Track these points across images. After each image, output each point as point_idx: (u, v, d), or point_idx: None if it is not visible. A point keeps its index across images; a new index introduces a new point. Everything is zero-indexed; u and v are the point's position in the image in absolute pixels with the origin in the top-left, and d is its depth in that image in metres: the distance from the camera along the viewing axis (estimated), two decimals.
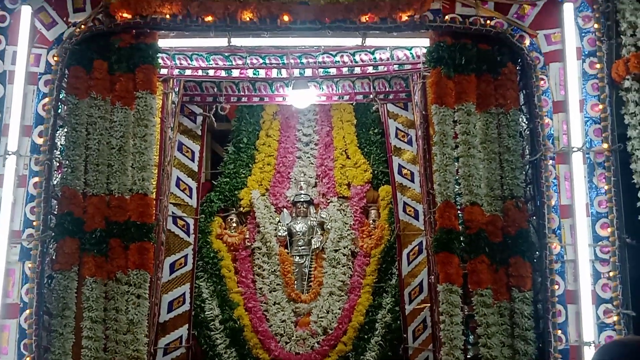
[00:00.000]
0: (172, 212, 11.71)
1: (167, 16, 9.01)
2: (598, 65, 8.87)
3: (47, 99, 8.84)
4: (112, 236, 8.76)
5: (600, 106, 8.81)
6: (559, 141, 8.87)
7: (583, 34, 9.01)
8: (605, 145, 8.72)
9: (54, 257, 8.65)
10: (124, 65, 9.10)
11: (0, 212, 8.50)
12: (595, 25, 8.94)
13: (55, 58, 8.91)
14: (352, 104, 12.67)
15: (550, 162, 8.78)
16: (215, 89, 11.63)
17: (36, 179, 8.67)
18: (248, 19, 9.00)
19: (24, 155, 8.71)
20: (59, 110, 8.94)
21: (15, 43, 8.90)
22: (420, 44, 9.74)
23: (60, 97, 8.96)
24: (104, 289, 8.70)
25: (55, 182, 8.83)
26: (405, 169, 11.94)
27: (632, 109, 8.61)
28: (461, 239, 8.84)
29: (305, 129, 13.22)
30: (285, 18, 8.98)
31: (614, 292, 8.48)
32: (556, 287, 8.55)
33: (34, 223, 8.56)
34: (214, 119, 12.10)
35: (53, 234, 8.64)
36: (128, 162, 8.95)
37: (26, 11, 8.96)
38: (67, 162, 8.76)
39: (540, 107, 8.85)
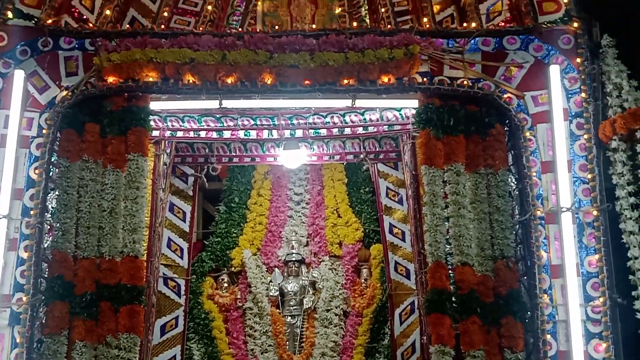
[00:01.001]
0: (163, 273, 11.67)
1: (159, 80, 9.11)
2: (585, 126, 9.01)
3: (38, 162, 8.91)
4: (102, 299, 8.72)
5: (589, 166, 8.92)
6: (548, 201, 8.93)
7: (570, 95, 9.15)
8: (594, 205, 8.79)
9: (43, 321, 8.58)
10: (116, 128, 9.18)
11: None
12: (582, 87, 9.11)
13: (48, 121, 9.01)
14: (343, 163, 12.74)
15: (540, 222, 8.83)
16: (207, 150, 11.71)
17: (27, 242, 8.68)
18: (239, 82, 9.11)
19: (15, 218, 8.72)
20: (51, 173, 8.99)
21: (8, 107, 9.00)
22: (409, 105, 9.86)
23: (52, 160, 9.02)
24: (94, 353, 8.64)
25: (46, 245, 8.82)
26: (397, 228, 11.98)
27: (620, 169, 8.72)
28: (453, 299, 8.81)
29: (296, 188, 13.27)
30: (276, 81, 9.08)
31: (606, 352, 8.47)
32: (548, 347, 8.53)
33: (24, 287, 8.54)
34: (205, 179, 12.16)
35: (43, 297, 8.61)
36: (119, 225, 8.95)
37: (19, 75, 9.07)
38: (58, 225, 8.76)
39: (529, 168, 8.93)
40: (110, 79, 9.10)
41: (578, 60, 9.19)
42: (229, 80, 9.11)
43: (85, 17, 9.84)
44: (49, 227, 8.88)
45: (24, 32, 9.32)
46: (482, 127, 9.20)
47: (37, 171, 8.87)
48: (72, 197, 8.83)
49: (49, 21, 9.35)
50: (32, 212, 8.73)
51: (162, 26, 10.01)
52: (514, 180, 9.15)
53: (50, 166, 8.98)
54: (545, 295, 8.67)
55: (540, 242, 8.77)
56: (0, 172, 8.79)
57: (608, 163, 8.89)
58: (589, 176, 8.88)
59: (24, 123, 9.01)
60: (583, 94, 9.09)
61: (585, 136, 8.98)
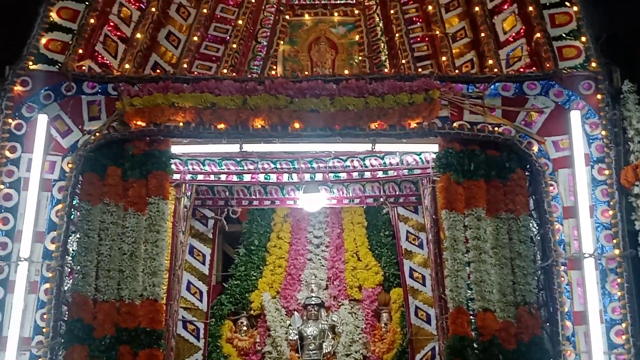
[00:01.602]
0: (182, 317, 11.65)
1: (181, 124, 9.21)
2: (607, 172, 8.97)
3: (60, 206, 8.98)
4: (121, 343, 8.70)
5: (611, 212, 8.86)
6: (570, 247, 8.86)
7: (591, 141, 9.12)
8: (616, 251, 8.72)
9: None
10: (137, 172, 9.24)
11: (11, 319, 8.50)
12: (603, 132, 9.09)
13: (70, 165, 9.08)
14: (362, 206, 12.72)
15: (562, 268, 8.76)
16: (227, 193, 11.79)
17: (47, 285, 8.71)
18: (260, 126, 9.18)
19: (36, 261, 8.76)
20: (72, 216, 9.05)
21: (31, 151, 9.12)
22: (430, 150, 9.87)
23: (74, 203, 9.08)
24: None
25: (66, 288, 8.86)
26: (417, 272, 11.91)
27: None
28: (474, 345, 8.70)
29: (316, 231, 13.27)
30: (296, 125, 9.14)
31: None
32: None
33: (44, 330, 8.55)
34: (225, 222, 12.18)
35: (62, 340, 8.61)
36: (139, 268, 8.96)
37: (42, 120, 9.19)
38: (78, 268, 8.79)
39: (550, 213, 8.88)
40: (133, 123, 9.19)
41: (599, 105, 9.17)
42: (250, 125, 9.15)
43: (108, 62, 10.02)
44: (69, 270, 8.91)
45: (48, 77, 9.47)
46: (503, 171, 9.16)
47: (58, 214, 8.94)
48: (93, 240, 8.87)
49: (73, 66, 9.50)
50: (53, 255, 8.77)
51: (184, 72, 10.15)
52: (535, 225, 9.08)
53: (72, 209, 9.05)
54: (568, 343, 8.55)
55: (563, 289, 8.68)
56: (22, 215, 8.90)
57: (631, 209, 8.83)
58: (612, 222, 8.83)
59: (46, 166, 9.11)
60: (604, 140, 9.06)
61: (608, 182, 8.94)
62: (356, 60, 12.11)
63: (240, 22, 11.48)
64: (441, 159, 9.30)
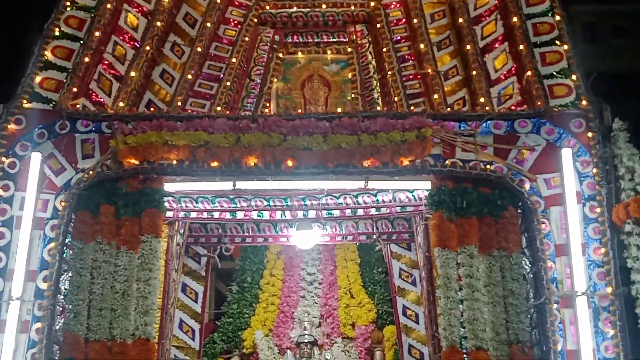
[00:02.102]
0: (174, 356, 11.58)
1: (174, 162, 9.21)
2: (598, 209, 9.00)
3: (53, 244, 8.95)
4: None
5: (603, 250, 8.87)
6: (563, 285, 8.85)
7: (582, 178, 9.16)
8: (609, 289, 8.72)
9: None
10: (130, 210, 9.22)
11: (1, 359, 8.41)
12: (594, 170, 9.13)
13: (63, 203, 9.08)
14: (355, 243, 12.71)
15: (555, 306, 8.73)
16: (220, 230, 11.77)
17: (39, 325, 8.66)
18: (253, 164, 9.19)
19: (27, 300, 8.72)
20: (65, 255, 9.02)
21: (24, 189, 9.11)
22: (422, 187, 9.90)
23: (66, 241, 9.06)
24: None
25: (57, 328, 8.79)
26: (410, 309, 11.90)
27: (635, 253, 8.71)
28: None
29: (309, 267, 13.25)
30: (289, 163, 9.16)
31: None
32: None
33: None
34: (218, 259, 12.15)
35: None
36: (131, 307, 8.91)
37: (36, 158, 9.20)
38: (70, 307, 8.74)
39: (542, 251, 8.89)
40: (126, 161, 9.20)
41: (590, 143, 9.23)
42: (243, 163, 9.17)
43: (102, 100, 10.06)
44: (61, 309, 8.86)
45: (42, 115, 9.50)
46: (495, 209, 9.18)
47: (51, 252, 8.91)
48: (85, 279, 8.83)
49: (67, 104, 9.53)
50: (45, 294, 8.73)
51: (178, 110, 10.21)
52: (528, 263, 9.08)
53: (64, 247, 9.02)
54: None
55: (556, 327, 8.66)
56: (14, 253, 8.86)
57: (622, 246, 8.86)
58: (604, 260, 8.84)
59: (39, 205, 9.09)
60: (596, 178, 9.11)
61: (599, 219, 8.96)
62: (349, 98, 12.21)
63: (234, 60, 11.61)
64: (434, 196, 9.33)
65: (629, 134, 9.22)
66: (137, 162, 9.22)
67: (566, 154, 9.18)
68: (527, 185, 9.14)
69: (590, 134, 9.28)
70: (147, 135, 9.20)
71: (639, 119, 10.08)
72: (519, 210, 9.24)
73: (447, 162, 9.28)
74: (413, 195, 10.34)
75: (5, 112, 9.43)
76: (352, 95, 12.19)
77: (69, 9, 10.30)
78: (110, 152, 9.30)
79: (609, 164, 9.17)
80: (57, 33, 10.10)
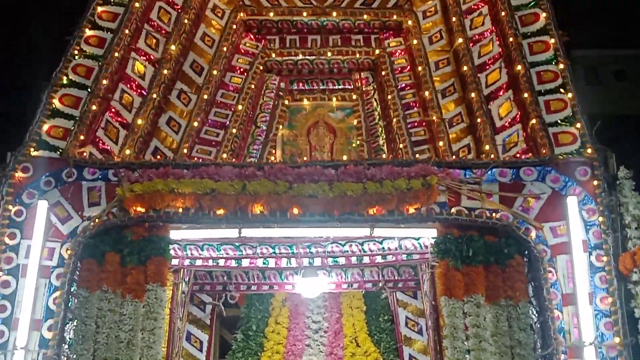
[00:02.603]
0: None
1: (180, 210, 9.22)
2: (605, 258, 8.97)
3: (58, 293, 8.94)
4: None
5: (610, 299, 8.82)
6: (570, 335, 8.79)
7: (588, 227, 9.14)
8: (617, 340, 8.66)
9: None
10: (136, 258, 9.20)
11: None
12: (600, 219, 9.11)
13: (69, 252, 9.07)
14: (361, 291, 12.63)
15: (563, 357, 8.66)
16: (225, 278, 11.72)
17: None
18: (259, 212, 9.19)
19: (32, 350, 8.68)
20: (70, 304, 8.98)
21: (30, 237, 9.12)
22: (428, 235, 9.86)
23: (72, 290, 9.03)
24: None
25: None
26: (416, 359, 11.78)
27: None
28: None
29: (314, 315, 13.15)
30: (295, 211, 9.17)
31: None
32: None
33: None
34: (223, 307, 12.08)
35: None
36: (136, 356, 8.82)
37: (42, 206, 9.22)
38: (74, 356, 8.69)
39: (549, 300, 8.84)
40: (132, 210, 9.21)
41: (595, 191, 9.23)
42: (249, 210, 9.17)
43: (109, 147, 10.12)
44: (65, 358, 8.80)
45: (49, 163, 9.54)
46: (502, 257, 9.15)
47: (56, 301, 8.90)
48: (90, 328, 8.78)
49: (74, 152, 9.58)
50: (49, 344, 8.69)
51: (185, 157, 10.26)
52: (535, 313, 9.02)
53: (70, 296, 8.99)
54: None
55: None
56: (19, 302, 8.84)
57: (630, 296, 8.81)
58: (611, 309, 8.78)
59: (45, 253, 9.09)
60: (602, 226, 9.09)
61: (606, 268, 8.93)
62: (354, 144, 12.27)
63: (240, 107, 11.73)
64: (440, 244, 9.31)
65: (634, 182, 9.22)
66: (143, 210, 9.22)
67: (572, 202, 9.18)
68: (533, 234, 9.12)
69: (595, 182, 9.29)
70: (153, 183, 9.23)
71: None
72: (525, 259, 9.20)
73: (452, 210, 9.28)
74: (419, 243, 10.29)
75: (13, 160, 9.47)
76: (358, 142, 12.26)
77: (77, 57, 10.42)
78: (117, 200, 9.31)
79: (615, 212, 9.16)
80: (65, 81, 10.21)
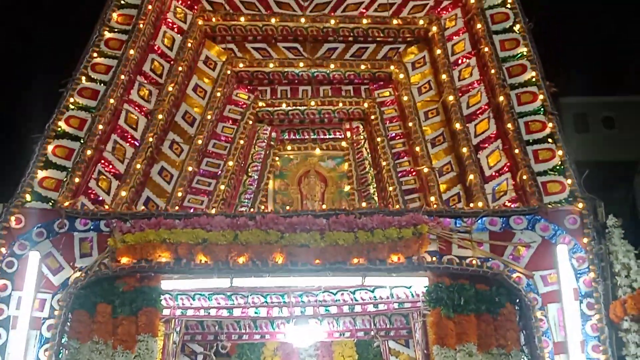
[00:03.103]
0: None
1: (172, 260, 9.23)
2: (596, 306, 9.01)
3: (49, 344, 8.90)
4: None
5: (602, 347, 8.84)
6: None
7: (579, 275, 9.19)
8: None
9: None
10: (127, 309, 9.18)
11: None
12: (590, 267, 9.17)
13: (60, 303, 9.06)
14: (353, 340, 12.57)
15: None
16: (217, 327, 11.67)
17: None
18: (250, 261, 9.20)
19: None
20: (60, 355, 8.94)
21: (21, 288, 9.09)
22: (420, 283, 9.87)
23: (62, 341, 8.98)
24: None
25: None
26: None
27: (633, 350, 8.67)
28: None
29: None
30: (287, 260, 9.18)
31: None
32: None
33: None
34: (214, 357, 12.00)
35: None
36: None
37: (34, 257, 9.22)
38: None
39: (541, 349, 8.87)
40: (124, 260, 9.22)
41: (585, 240, 9.30)
42: (241, 260, 9.21)
43: (101, 198, 10.15)
44: None
45: (41, 214, 9.56)
46: (493, 306, 9.19)
47: (47, 353, 8.86)
48: None
49: (66, 203, 9.61)
50: None
51: (176, 207, 10.31)
52: None
53: (61, 348, 8.95)
54: None
55: None
56: (9, 354, 8.79)
57: (621, 344, 8.82)
58: (603, 357, 8.78)
59: (36, 304, 9.07)
60: (592, 274, 9.14)
61: (597, 316, 8.96)
62: (345, 193, 12.34)
63: (231, 156, 11.79)
64: (431, 293, 9.33)
65: (623, 231, 9.30)
66: (134, 261, 9.24)
67: (562, 250, 9.24)
68: (524, 282, 9.17)
69: (585, 231, 9.36)
70: (145, 233, 9.26)
71: (628, 208, 10.20)
72: (516, 307, 9.24)
73: (443, 258, 9.32)
74: (411, 292, 10.28)
75: (5, 212, 9.49)
76: (349, 190, 12.33)
77: (70, 109, 10.49)
78: (108, 250, 9.32)
79: (605, 260, 9.23)
80: (58, 132, 10.28)
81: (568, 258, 9.22)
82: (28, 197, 9.69)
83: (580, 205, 9.53)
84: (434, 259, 9.32)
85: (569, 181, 9.82)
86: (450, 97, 11.34)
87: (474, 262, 9.28)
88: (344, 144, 12.88)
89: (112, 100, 10.67)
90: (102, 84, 10.78)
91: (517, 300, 9.24)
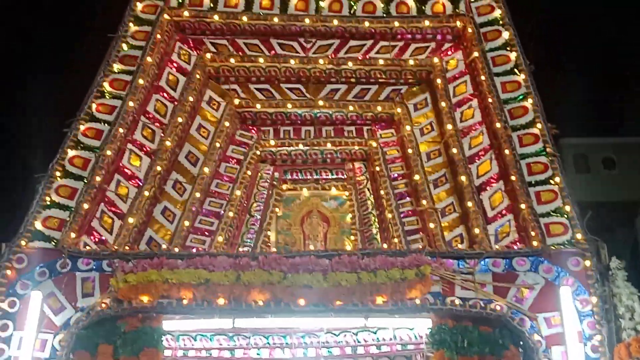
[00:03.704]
0: None
1: (174, 300, 9.17)
2: (600, 349, 8.95)
3: None
4: None
5: None
6: None
7: (582, 317, 9.13)
8: None
9: None
10: (129, 349, 9.11)
11: None
12: (594, 309, 9.12)
13: (62, 343, 9.01)
14: None
15: None
16: None
17: None
18: (253, 302, 9.16)
19: None
20: None
21: (23, 328, 9.03)
22: (423, 325, 9.84)
23: None
24: None
25: None
26: None
27: None
28: None
29: None
30: (289, 301, 9.13)
31: None
32: None
33: None
34: None
35: None
36: None
37: (36, 297, 9.17)
38: None
39: None
40: (126, 300, 9.16)
41: (588, 282, 9.27)
42: (243, 300, 9.14)
43: (104, 238, 10.15)
44: None
45: (43, 254, 9.54)
46: (497, 348, 9.11)
47: None
48: None
49: (69, 243, 9.60)
50: None
51: (179, 247, 10.30)
52: None
53: None
54: None
55: None
56: None
57: None
58: None
59: (37, 345, 8.99)
60: (596, 316, 9.09)
61: (601, 359, 8.87)
62: (347, 234, 12.35)
63: (234, 196, 11.82)
64: (434, 335, 9.28)
65: (626, 273, 9.29)
66: (137, 301, 9.17)
67: (565, 292, 9.21)
68: (527, 324, 9.12)
69: (588, 273, 9.34)
70: (147, 273, 9.22)
71: (630, 249, 10.20)
72: (520, 350, 9.18)
73: (447, 300, 9.27)
74: (414, 333, 10.30)
75: (7, 251, 9.47)
76: (351, 231, 12.34)
77: (73, 149, 10.54)
78: (110, 291, 9.28)
79: (609, 302, 9.19)
80: (61, 173, 10.30)
81: (572, 300, 9.17)
82: (31, 236, 9.66)
83: (583, 247, 9.51)
84: (437, 300, 9.27)
85: (572, 223, 9.81)
86: (452, 135, 11.39)
87: (477, 303, 9.22)
88: (346, 184, 12.91)
89: (115, 141, 10.70)
90: (105, 124, 10.82)
91: (521, 343, 9.17)
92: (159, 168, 11.15)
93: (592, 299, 9.18)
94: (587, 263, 9.38)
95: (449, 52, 12.50)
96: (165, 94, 11.86)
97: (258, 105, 12.72)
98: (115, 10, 12.32)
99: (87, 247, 9.83)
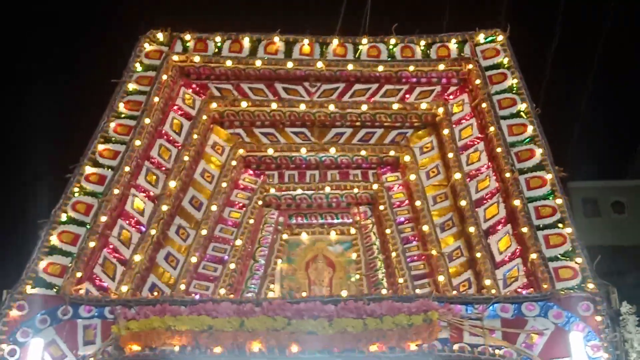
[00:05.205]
0: None
1: (177, 348, 9.05)
2: None
3: None
4: None
5: None
6: None
7: None
8: None
9: None
10: None
11: None
12: (605, 355, 8.90)
13: None
14: None
15: None
16: None
17: None
18: (257, 349, 9.02)
19: None
20: None
21: None
22: None
23: None
24: None
25: None
26: None
27: None
28: None
29: None
30: (294, 348, 8.99)
31: None
32: None
33: None
34: None
35: None
36: None
37: (37, 344, 9.03)
38: None
39: None
40: (128, 348, 9.03)
41: (599, 327, 9.07)
42: (247, 348, 8.99)
43: (106, 284, 10.06)
44: None
45: (44, 301, 9.41)
46: None
47: None
48: None
49: (71, 290, 9.49)
50: None
51: (182, 292, 10.19)
52: None
53: None
54: None
55: None
56: None
57: None
58: None
59: None
60: None
61: None
62: (353, 279, 12.21)
63: (238, 241, 11.75)
64: None
65: (638, 318, 9.12)
66: (139, 349, 9.03)
67: (575, 338, 9.01)
68: None
69: (598, 318, 9.13)
70: (150, 320, 9.10)
71: None
72: None
73: (455, 346, 9.10)
74: None
75: (8, 298, 9.37)
76: (357, 276, 12.21)
77: (76, 194, 10.48)
78: (112, 338, 9.15)
79: (620, 348, 9.00)
80: (64, 218, 10.23)
81: (582, 346, 8.97)
82: (32, 283, 9.56)
83: (593, 291, 9.35)
84: (445, 347, 9.09)
85: (581, 267, 9.66)
86: (458, 179, 11.32)
87: (486, 350, 9.04)
88: (352, 229, 12.81)
89: (118, 186, 10.65)
90: (109, 169, 10.78)
91: None
92: (163, 209, 11.07)
93: (603, 344, 8.97)
94: (598, 308, 9.20)
95: (455, 96, 12.47)
96: (169, 139, 11.83)
97: (264, 150, 12.68)
98: (119, 55, 12.40)
99: (90, 294, 9.70)
